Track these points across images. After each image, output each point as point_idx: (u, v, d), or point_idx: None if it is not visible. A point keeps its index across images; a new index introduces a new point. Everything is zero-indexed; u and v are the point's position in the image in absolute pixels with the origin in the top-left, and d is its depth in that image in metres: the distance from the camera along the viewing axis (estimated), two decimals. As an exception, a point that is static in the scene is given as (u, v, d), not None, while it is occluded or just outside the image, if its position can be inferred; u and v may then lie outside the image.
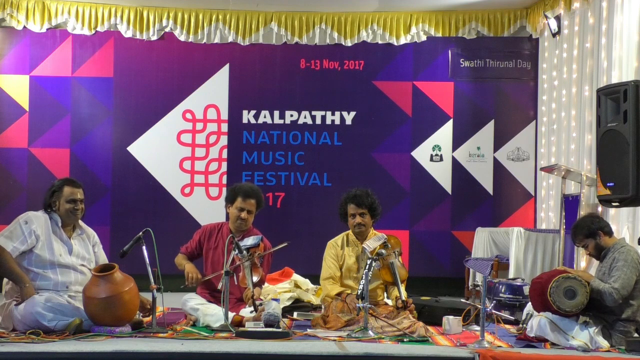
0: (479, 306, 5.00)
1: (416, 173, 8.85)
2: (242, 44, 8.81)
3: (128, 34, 8.73)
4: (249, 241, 5.47)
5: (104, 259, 5.41)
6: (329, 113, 8.90)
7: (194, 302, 5.58)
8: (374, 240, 5.51)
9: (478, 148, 8.85)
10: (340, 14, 8.84)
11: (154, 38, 8.77)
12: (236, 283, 5.49)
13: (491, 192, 8.85)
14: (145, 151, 8.80)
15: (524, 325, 5.20)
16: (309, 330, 5.28)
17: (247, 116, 8.89)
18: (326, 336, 4.98)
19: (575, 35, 7.67)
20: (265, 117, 8.89)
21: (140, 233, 5.22)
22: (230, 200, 5.78)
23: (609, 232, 5.16)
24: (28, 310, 4.83)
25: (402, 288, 5.42)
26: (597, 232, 5.10)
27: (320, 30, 8.87)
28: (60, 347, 4.36)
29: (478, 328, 5.09)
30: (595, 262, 5.53)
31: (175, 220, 8.63)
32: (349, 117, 8.89)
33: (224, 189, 8.66)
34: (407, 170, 8.87)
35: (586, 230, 5.11)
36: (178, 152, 8.83)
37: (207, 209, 8.68)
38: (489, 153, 8.86)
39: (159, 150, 8.81)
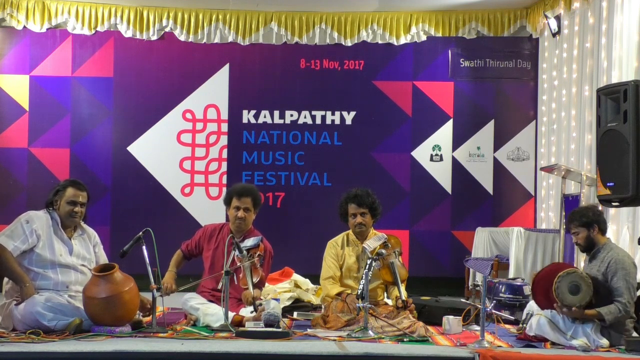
0: (479, 306, 5.00)
1: (416, 173, 8.85)
2: (242, 44, 8.82)
3: (128, 34, 8.73)
4: (249, 242, 5.47)
5: (104, 259, 5.41)
6: (329, 113, 8.90)
7: (194, 301, 5.58)
8: (374, 240, 5.51)
9: (478, 148, 8.85)
10: (340, 14, 8.84)
11: (154, 38, 8.77)
12: (236, 283, 5.49)
13: (491, 192, 8.85)
14: (145, 151, 8.80)
15: (524, 325, 5.20)
16: (309, 330, 5.28)
17: (247, 116, 8.89)
18: (326, 336, 4.98)
19: (575, 35, 7.67)
20: (265, 117, 8.89)
21: (140, 233, 5.22)
22: (227, 202, 5.80)
23: (603, 230, 5.16)
24: (28, 310, 4.83)
25: (402, 288, 5.42)
26: (593, 225, 5.09)
27: (320, 30, 8.87)
28: (60, 347, 4.36)
29: (478, 328, 5.09)
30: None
31: (175, 220, 8.62)
32: (349, 117, 8.89)
33: (224, 189, 8.66)
34: (407, 170, 8.87)
35: (585, 219, 5.11)
36: (178, 152, 8.84)
37: (207, 208, 8.68)
38: (489, 153, 8.86)
39: (159, 150, 8.81)
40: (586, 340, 4.80)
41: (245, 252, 5.34)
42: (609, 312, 4.83)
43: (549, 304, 4.98)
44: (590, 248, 5.14)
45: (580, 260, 6.66)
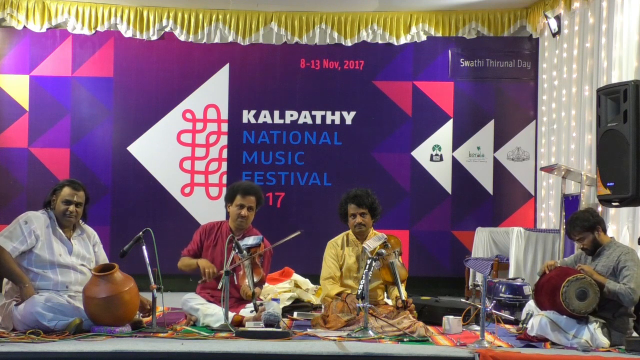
0: (479, 306, 5.00)
1: (416, 173, 8.85)
2: (242, 44, 8.82)
3: (128, 34, 8.73)
4: (249, 241, 5.46)
5: (104, 258, 5.41)
6: (329, 113, 8.90)
7: (194, 302, 5.57)
8: (374, 240, 5.51)
9: (478, 148, 8.85)
10: (340, 14, 8.84)
11: (154, 38, 8.77)
12: (236, 283, 5.48)
13: (491, 192, 8.85)
14: (145, 151, 8.80)
15: (524, 325, 5.20)
16: (309, 330, 5.28)
17: (247, 116, 8.89)
18: (326, 336, 4.98)
19: (575, 35, 7.67)
20: (265, 117, 8.89)
21: (140, 233, 5.21)
22: (229, 199, 5.77)
23: (604, 229, 5.18)
24: (28, 310, 4.83)
25: (402, 288, 5.42)
26: (595, 226, 5.10)
27: (320, 30, 8.87)
28: (60, 347, 4.36)
29: (478, 328, 5.09)
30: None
31: (175, 220, 8.63)
32: (349, 117, 8.89)
33: (224, 189, 8.67)
34: (407, 170, 8.87)
35: (586, 223, 5.10)
36: (178, 152, 8.84)
37: (207, 208, 8.68)
38: (489, 153, 8.86)
39: (159, 150, 8.81)
40: (587, 338, 4.80)
41: (245, 251, 5.34)
42: (614, 285, 4.86)
43: (553, 306, 4.98)
44: (597, 249, 5.14)
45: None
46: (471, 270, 7.93)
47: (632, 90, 5.32)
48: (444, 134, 8.87)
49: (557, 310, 4.95)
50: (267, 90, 8.90)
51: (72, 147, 8.72)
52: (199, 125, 8.85)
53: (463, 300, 6.71)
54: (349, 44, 8.85)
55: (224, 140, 8.86)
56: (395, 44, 8.84)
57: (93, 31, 8.71)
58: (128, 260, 5.24)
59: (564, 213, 6.91)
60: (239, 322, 5.25)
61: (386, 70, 8.90)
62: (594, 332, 4.83)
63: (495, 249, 7.92)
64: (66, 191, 5.19)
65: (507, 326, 5.65)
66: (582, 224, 5.11)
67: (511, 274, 7.32)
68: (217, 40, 8.81)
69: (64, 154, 8.71)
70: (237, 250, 5.33)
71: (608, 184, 5.49)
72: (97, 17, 8.69)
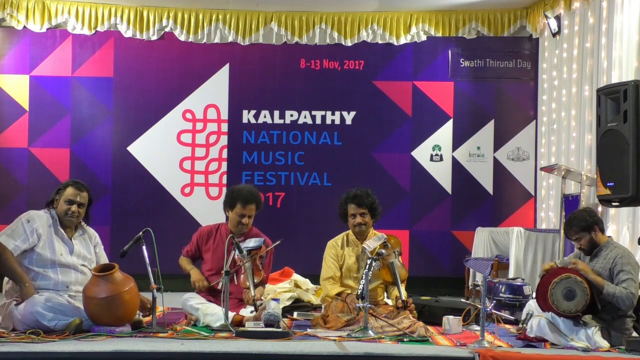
0: (479, 306, 5.00)
1: (416, 173, 8.86)
2: (242, 44, 8.82)
3: (128, 34, 8.73)
4: (251, 243, 5.46)
5: (104, 259, 5.41)
6: (329, 113, 8.90)
7: (194, 301, 5.57)
8: (374, 240, 5.51)
9: (478, 148, 8.85)
10: (340, 14, 8.84)
11: (154, 38, 8.77)
12: (236, 283, 5.48)
13: (491, 192, 8.85)
14: (145, 151, 8.80)
15: (524, 325, 5.19)
16: (309, 330, 5.28)
17: (247, 116, 8.89)
18: (326, 336, 4.98)
19: (575, 35, 7.67)
20: (265, 117, 8.89)
21: (140, 233, 5.21)
22: (229, 206, 5.78)
23: (602, 229, 5.17)
24: (28, 310, 4.83)
25: (402, 288, 5.42)
26: (592, 227, 5.09)
27: (320, 30, 8.87)
28: (60, 347, 4.36)
29: (478, 328, 5.09)
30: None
31: (175, 220, 8.63)
32: (349, 117, 8.89)
33: (224, 189, 8.66)
34: (407, 170, 8.87)
35: (583, 223, 5.09)
36: (178, 152, 8.84)
37: (207, 208, 8.68)
38: (489, 153, 8.86)
39: (159, 150, 8.81)
40: (587, 343, 4.80)
41: (245, 252, 5.34)
42: (613, 288, 4.84)
43: (549, 309, 4.98)
44: (594, 249, 5.14)
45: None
46: (471, 270, 7.93)
47: (632, 90, 5.33)
48: (444, 134, 8.87)
49: (554, 313, 4.95)
50: (267, 90, 8.90)
51: (72, 147, 8.72)
52: (199, 125, 8.86)
53: (463, 300, 6.71)
54: (349, 44, 8.85)
55: (224, 140, 8.86)
56: (395, 44, 8.84)
57: (93, 31, 8.71)
58: (128, 260, 5.24)
59: (564, 213, 6.91)
60: (239, 322, 5.26)
61: (386, 70, 8.90)
62: (592, 336, 4.81)
63: (495, 249, 7.92)
64: (70, 191, 5.20)
65: (507, 326, 5.65)
66: (579, 224, 5.11)
67: (511, 274, 7.32)
68: (217, 40, 8.81)
69: (64, 154, 8.71)
70: (237, 251, 5.33)
71: (608, 184, 5.49)
72: (97, 17, 8.69)
